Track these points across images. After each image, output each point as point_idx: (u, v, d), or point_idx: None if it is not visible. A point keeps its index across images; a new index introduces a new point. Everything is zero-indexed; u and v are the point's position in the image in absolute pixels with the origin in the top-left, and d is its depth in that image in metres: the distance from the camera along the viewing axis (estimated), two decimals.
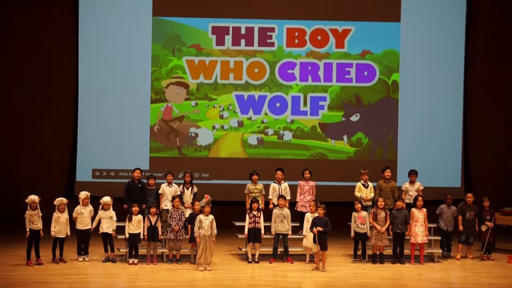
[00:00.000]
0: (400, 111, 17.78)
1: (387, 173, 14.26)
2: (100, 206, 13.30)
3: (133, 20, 17.40)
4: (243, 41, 17.60)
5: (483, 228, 14.11)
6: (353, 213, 13.58)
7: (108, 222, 13.21)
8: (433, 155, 17.68)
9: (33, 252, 12.75)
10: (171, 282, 11.78)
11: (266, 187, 14.16)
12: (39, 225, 12.76)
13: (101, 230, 13.22)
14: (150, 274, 12.32)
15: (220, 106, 17.57)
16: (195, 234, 12.77)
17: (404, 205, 13.77)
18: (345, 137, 17.74)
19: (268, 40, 17.62)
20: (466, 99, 18.01)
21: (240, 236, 13.82)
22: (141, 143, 17.38)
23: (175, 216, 13.28)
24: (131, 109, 17.40)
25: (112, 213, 13.27)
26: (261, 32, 17.61)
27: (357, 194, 14.15)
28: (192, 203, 13.44)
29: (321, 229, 12.68)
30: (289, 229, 13.55)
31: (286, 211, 13.55)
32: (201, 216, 12.71)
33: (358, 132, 17.76)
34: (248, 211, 13.50)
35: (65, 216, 13.00)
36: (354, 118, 17.76)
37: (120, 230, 13.32)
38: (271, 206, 13.89)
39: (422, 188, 14.30)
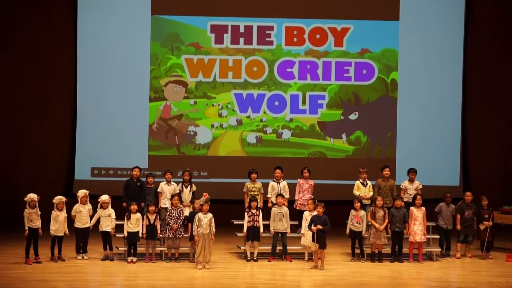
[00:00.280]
0: (398, 109, 17.78)
1: (386, 171, 14.25)
2: (99, 205, 13.30)
3: (131, 18, 17.39)
4: (242, 40, 17.59)
5: (482, 227, 14.11)
6: (352, 210, 13.59)
7: (107, 220, 13.21)
8: (432, 154, 17.69)
9: (32, 251, 12.75)
10: (169, 280, 11.78)
11: (265, 186, 14.15)
12: (38, 223, 12.76)
13: (100, 229, 13.23)
14: (149, 272, 12.32)
15: (219, 105, 17.56)
16: (194, 233, 12.77)
17: (403, 203, 13.78)
18: (344, 135, 17.74)
19: (267, 39, 17.62)
20: (465, 98, 18.02)
21: (239, 234, 13.82)
22: (140, 142, 17.38)
23: (174, 214, 13.27)
24: (130, 108, 17.40)
25: (111, 211, 13.27)
26: (260, 30, 17.61)
27: (356, 192, 14.15)
28: (192, 202, 13.44)
29: (320, 227, 12.68)
30: (288, 227, 13.56)
31: (285, 209, 13.56)
32: (199, 215, 12.70)
33: (357, 130, 17.76)
34: (247, 210, 13.50)
35: (63, 214, 13.00)
36: (353, 116, 17.76)
37: (119, 228, 13.32)
38: (270, 204, 13.89)
39: (421, 186, 14.30)
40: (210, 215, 12.72)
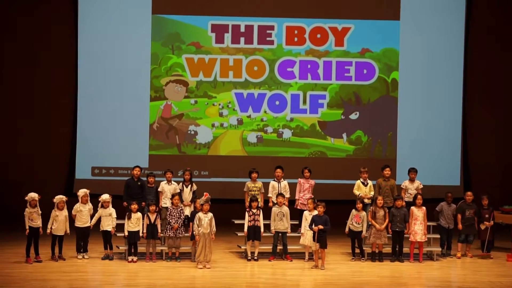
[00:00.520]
0: (399, 109, 17.78)
1: (387, 171, 14.24)
2: (100, 204, 13.30)
3: (132, 18, 17.39)
4: (242, 39, 17.59)
5: (482, 227, 14.11)
6: (353, 210, 13.59)
7: (108, 219, 13.21)
8: (432, 154, 17.69)
9: (32, 250, 12.75)
10: (170, 279, 11.78)
11: (266, 185, 14.15)
12: (38, 222, 12.76)
13: (101, 228, 13.23)
14: (149, 271, 12.32)
15: (219, 104, 17.56)
16: (194, 232, 12.77)
17: (403, 203, 13.78)
18: (344, 135, 17.74)
19: (268, 38, 17.62)
20: (466, 97, 18.01)
21: (239, 234, 13.82)
22: (141, 141, 17.38)
23: (175, 214, 13.27)
24: (131, 107, 17.40)
25: (111, 210, 13.27)
26: (261, 30, 17.61)
27: (356, 192, 14.14)
28: (193, 201, 13.43)
29: (321, 227, 12.68)
30: (288, 227, 13.56)
31: (285, 209, 13.56)
32: (200, 214, 12.70)
33: (358, 130, 17.76)
34: (247, 209, 13.50)
35: (64, 213, 13.00)
36: (354, 116, 17.76)
37: (119, 227, 13.32)
38: (270, 204, 13.89)
39: (422, 186, 14.30)
40: (210, 214, 12.71)
